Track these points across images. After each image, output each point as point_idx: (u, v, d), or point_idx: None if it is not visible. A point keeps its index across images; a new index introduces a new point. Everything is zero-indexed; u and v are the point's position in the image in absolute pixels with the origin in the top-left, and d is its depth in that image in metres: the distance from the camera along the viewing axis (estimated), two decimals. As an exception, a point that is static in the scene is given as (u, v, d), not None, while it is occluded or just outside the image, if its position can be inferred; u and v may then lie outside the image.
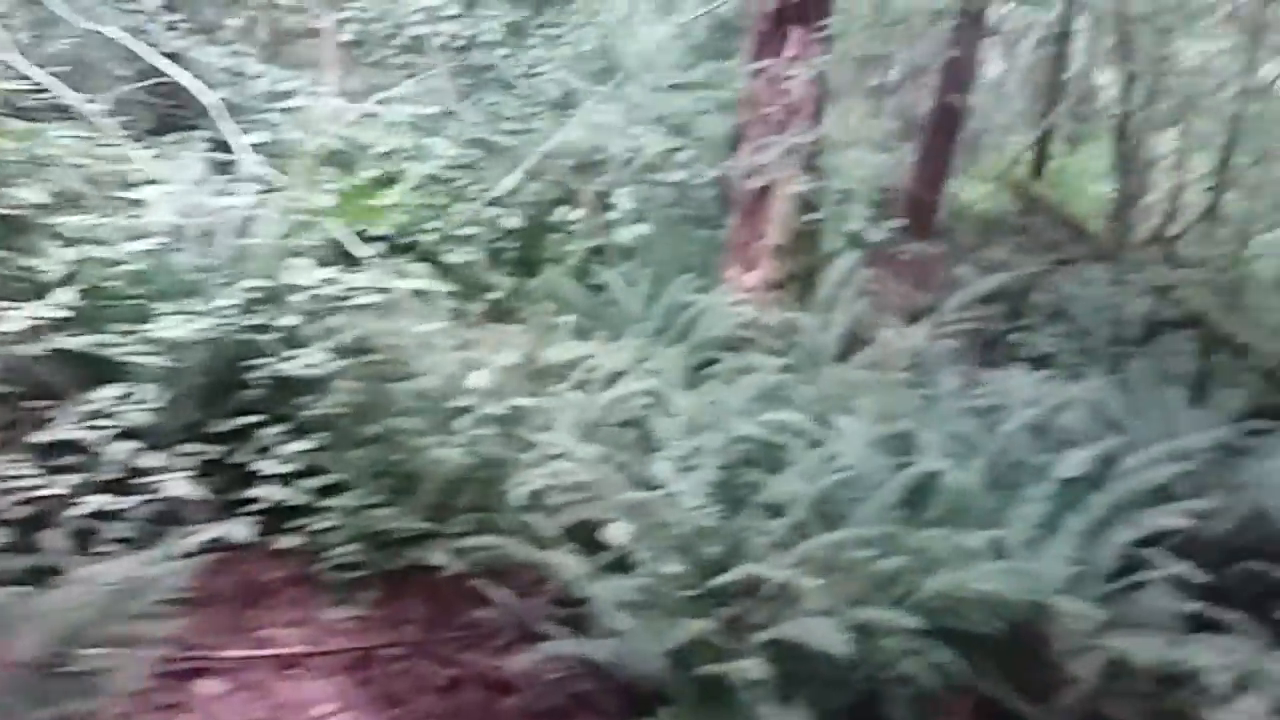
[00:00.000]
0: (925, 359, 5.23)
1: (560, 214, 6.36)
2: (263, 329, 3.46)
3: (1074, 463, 3.80)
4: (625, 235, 5.01)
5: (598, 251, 7.08)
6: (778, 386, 5.28)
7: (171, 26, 6.35)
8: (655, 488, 3.62)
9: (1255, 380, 5.60)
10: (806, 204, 6.52)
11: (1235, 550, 4.56)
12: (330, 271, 3.58)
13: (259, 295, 3.49)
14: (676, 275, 6.56)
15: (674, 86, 7.38)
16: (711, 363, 5.62)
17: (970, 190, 12.00)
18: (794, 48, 6.34)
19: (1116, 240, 5.79)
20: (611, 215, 7.11)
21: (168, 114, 6.66)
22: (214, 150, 5.38)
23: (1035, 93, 12.06)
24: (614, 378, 4.50)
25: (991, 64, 14.11)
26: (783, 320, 6.09)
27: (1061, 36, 11.57)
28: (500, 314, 6.50)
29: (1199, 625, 3.94)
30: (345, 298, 3.49)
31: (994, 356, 6.50)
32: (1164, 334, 6.09)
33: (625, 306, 6.28)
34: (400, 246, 4.62)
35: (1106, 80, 11.79)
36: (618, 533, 3.44)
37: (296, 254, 3.85)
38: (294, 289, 3.49)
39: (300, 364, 3.31)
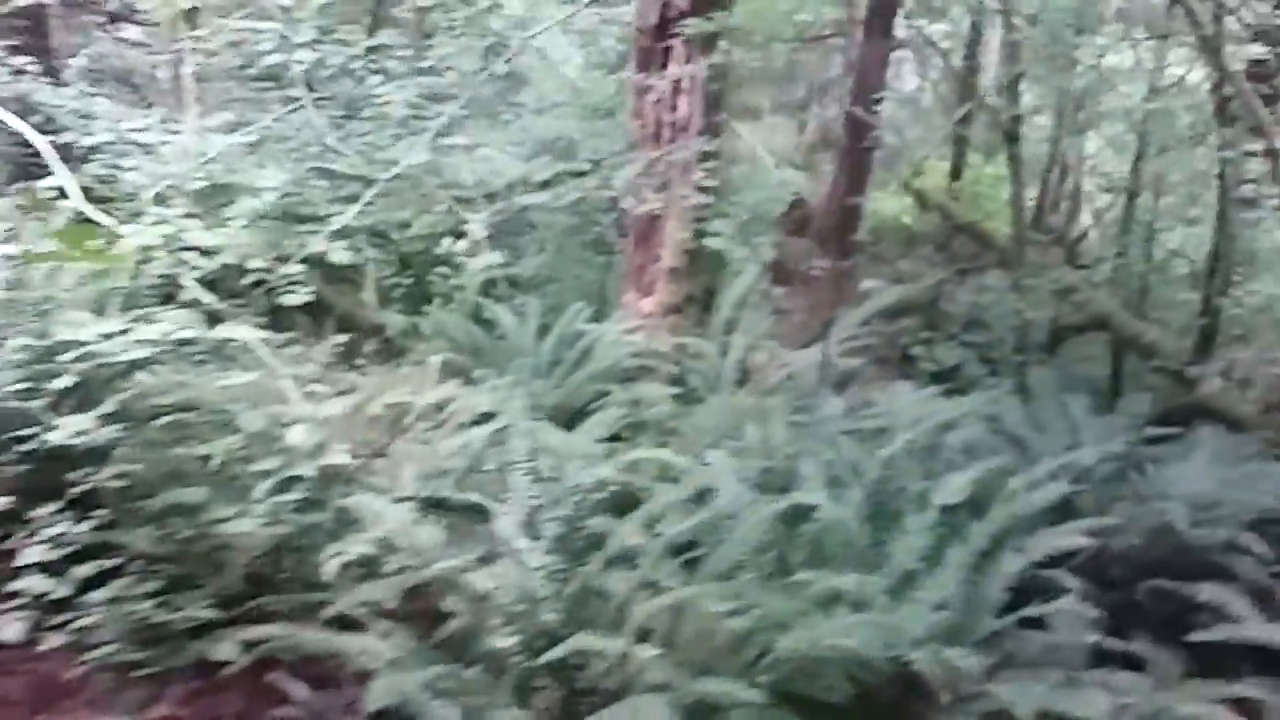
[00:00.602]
0: (814, 380, 4.85)
1: (445, 246, 5.92)
2: (31, 394, 2.99)
3: (954, 488, 3.42)
4: (478, 264, 4.58)
5: (494, 284, 6.70)
6: (662, 419, 4.91)
7: (19, 71, 5.86)
8: (499, 545, 3.19)
9: (1163, 382, 5.30)
10: (702, 223, 6.15)
11: (1145, 566, 4.22)
12: (118, 322, 3.12)
13: (28, 356, 3.03)
14: (573, 305, 6.17)
15: (563, 106, 7.02)
16: (603, 395, 5.22)
17: (890, 204, 11.77)
18: (678, 62, 5.98)
19: (1017, 246, 5.47)
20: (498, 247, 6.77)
21: (30, 163, 6.18)
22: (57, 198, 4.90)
23: (948, 106, 11.86)
24: (476, 420, 4.07)
25: (907, 79, 13.97)
26: (678, 346, 5.71)
27: (972, 46, 11.40)
28: (393, 355, 6.08)
29: (1104, 658, 3.59)
30: (131, 351, 3.03)
31: (896, 372, 6.18)
32: (1070, 339, 5.78)
33: (515, 341, 5.86)
34: (236, 288, 4.16)
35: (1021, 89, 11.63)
36: (453, 603, 3.00)
37: (96, 304, 3.39)
38: (70, 345, 3.02)
39: (69, 433, 2.84)
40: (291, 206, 5.78)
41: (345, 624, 2.91)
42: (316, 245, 4.15)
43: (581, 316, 6.01)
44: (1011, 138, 5.30)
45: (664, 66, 5.94)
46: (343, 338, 4.53)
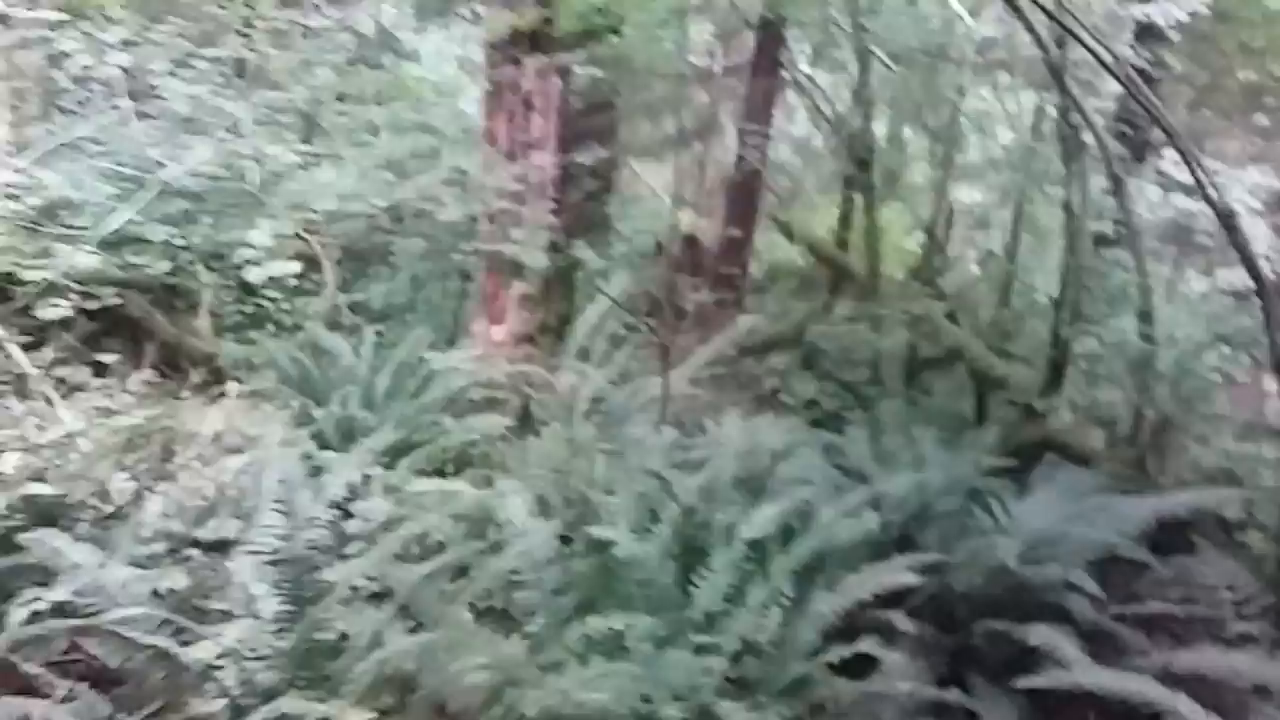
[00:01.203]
0: (655, 412, 4.52)
1: (280, 270, 5.45)
2: None
3: (761, 521, 3.08)
4: (256, 275, 4.16)
5: (339, 311, 6.31)
6: (490, 452, 4.52)
7: None
8: (233, 590, 2.73)
9: (1013, 415, 5.10)
10: (560, 249, 5.83)
11: (985, 606, 3.95)
12: None
13: None
14: (415, 333, 5.77)
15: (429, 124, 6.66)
16: (435, 427, 4.82)
17: (787, 245, 11.66)
18: (530, 81, 5.69)
19: (870, 278, 5.27)
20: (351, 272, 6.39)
21: None
22: None
23: (835, 148, 11.86)
24: (254, 452, 3.61)
25: (802, 123, 14.00)
26: (524, 376, 5.33)
27: (860, 93, 11.43)
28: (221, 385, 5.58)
29: (936, 708, 3.27)
30: None
31: (753, 404, 5.90)
32: (929, 372, 5.58)
33: (348, 371, 5.39)
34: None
35: (909, 136, 11.68)
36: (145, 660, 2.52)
37: None
38: None
39: None
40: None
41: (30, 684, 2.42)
42: (76, 254, 3.65)
43: (424, 345, 5.59)
44: (864, 164, 5.11)
45: (514, 84, 5.65)
46: (111, 357, 4.01)
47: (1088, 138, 5.29)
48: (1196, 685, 3.45)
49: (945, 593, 4.00)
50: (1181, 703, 3.07)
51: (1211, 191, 4.38)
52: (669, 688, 2.38)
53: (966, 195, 10.89)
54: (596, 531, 3.05)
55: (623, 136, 12.55)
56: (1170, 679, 3.40)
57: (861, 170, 5.16)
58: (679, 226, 10.31)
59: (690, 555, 3.19)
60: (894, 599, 3.58)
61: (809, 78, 10.08)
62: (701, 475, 3.45)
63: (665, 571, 3.05)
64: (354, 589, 2.67)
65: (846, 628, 3.32)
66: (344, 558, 2.83)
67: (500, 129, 5.75)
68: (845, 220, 11.51)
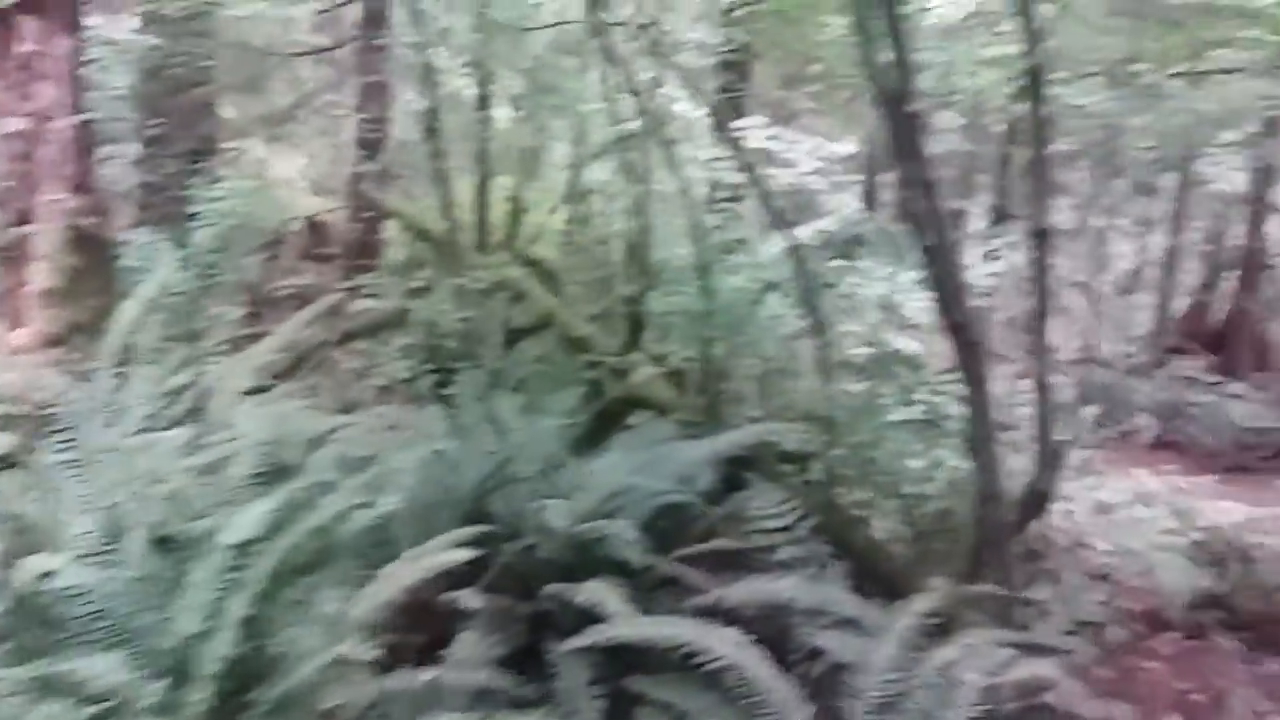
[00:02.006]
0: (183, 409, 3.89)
1: None
2: None
3: (246, 521, 2.62)
4: None
5: None
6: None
7: None
8: None
9: (604, 376, 5.05)
10: (92, 236, 4.92)
11: (557, 570, 3.80)
12: None
13: None
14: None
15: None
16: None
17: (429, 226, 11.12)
18: (32, 43, 4.71)
19: (451, 250, 4.98)
20: None
21: None
22: None
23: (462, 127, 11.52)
24: None
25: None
26: (41, 383, 4.42)
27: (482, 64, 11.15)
28: None
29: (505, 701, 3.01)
30: None
31: (361, 390, 5.44)
32: (520, 340, 5.41)
33: None
34: None
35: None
36: None
37: None
38: None
39: None
40: None
41: None
42: None
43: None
44: (431, 131, 4.78)
45: (10, 48, 4.64)
46: None
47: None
48: (751, 614, 3.53)
49: (523, 561, 3.82)
50: (714, 637, 3.05)
51: (743, 155, 4.56)
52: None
53: (600, 172, 11.04)
54: (33, 562, 2.43)
55: (238, 118, 11.31)
56: (725, 612, 3.44)
57: (429, 137, 4.82)
58: (296, 212, 9.52)
59: (179, 573, 2.66)
60: (470, 575, 3.36)
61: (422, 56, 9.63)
62: (208, 477, 2.92)
63: (131, 598, 2.50)
64: None
65: (411, 616, 3.02)
66: None
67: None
68: (481, 197, 11.27)
